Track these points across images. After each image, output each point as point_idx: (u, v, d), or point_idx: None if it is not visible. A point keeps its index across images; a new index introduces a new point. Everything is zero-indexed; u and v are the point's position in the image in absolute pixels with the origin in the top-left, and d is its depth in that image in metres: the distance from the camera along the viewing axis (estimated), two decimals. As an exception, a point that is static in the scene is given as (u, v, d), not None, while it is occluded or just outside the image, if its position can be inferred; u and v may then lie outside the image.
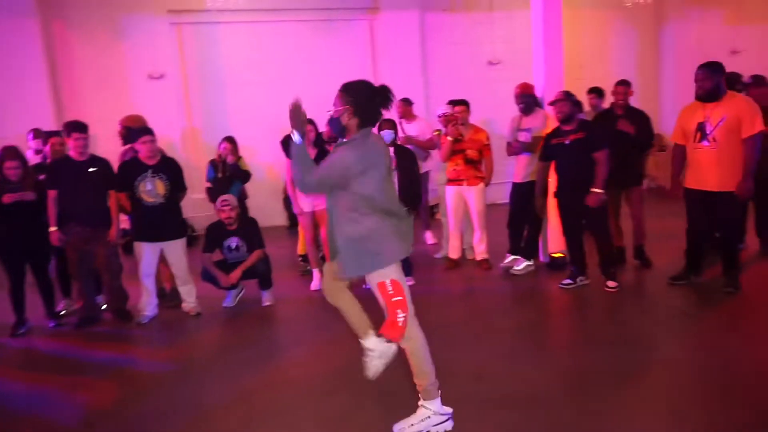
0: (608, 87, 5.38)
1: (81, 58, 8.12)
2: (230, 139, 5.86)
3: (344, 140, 2.52)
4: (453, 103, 5.49)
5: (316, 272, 5.20)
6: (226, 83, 8.64)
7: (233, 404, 2.98)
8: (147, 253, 4.50)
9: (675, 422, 2.52)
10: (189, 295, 4.69)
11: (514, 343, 3.69)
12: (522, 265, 5.12)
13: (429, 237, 6.58)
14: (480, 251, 5.48)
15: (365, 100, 2.49)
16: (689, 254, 4.46)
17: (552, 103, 4.49)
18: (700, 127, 4.12)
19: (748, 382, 2.85)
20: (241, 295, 4.94)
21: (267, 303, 4.79)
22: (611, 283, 4.46)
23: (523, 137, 5.01)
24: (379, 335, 2.46)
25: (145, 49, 8.25)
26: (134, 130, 4.53)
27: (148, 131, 4.46)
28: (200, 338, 4.22)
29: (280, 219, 8.27)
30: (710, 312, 3.95)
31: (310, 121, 4.95)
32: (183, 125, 8.46)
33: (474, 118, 5.58)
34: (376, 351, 2.89)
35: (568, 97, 4.48)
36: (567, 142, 4.42)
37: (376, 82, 8.85)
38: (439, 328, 3.86)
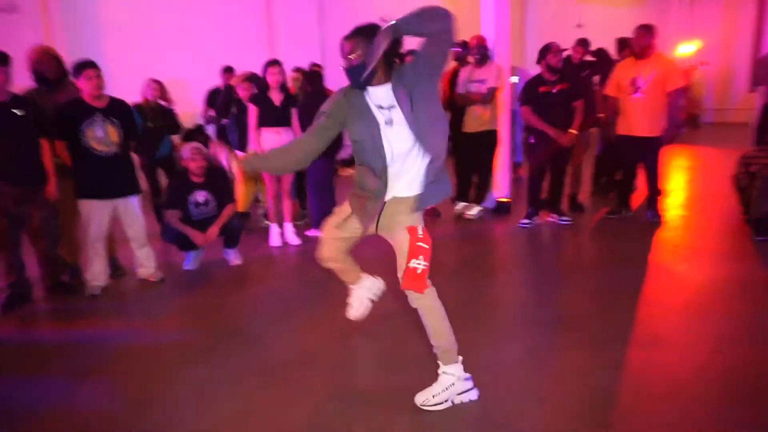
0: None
1: None
2: (158, 82, 5.12)
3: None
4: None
5: (274, 227, 4.91)
6: (100, 21, 7.37)
7: (301, 363, 2.75)
8: (98, 212, 3.78)
9: (704, 314, 3.05)
10: (148, 260, 4.08)
11: (519, 275, 4.00)
12: (475, 210, 5.45)
13: None
14: (428, 200, 5.68)
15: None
16: (622, 191, 5.21)
17: (556, 54, 4.75)
18: (633, 82, 4.81)
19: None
20: (201, 256, 4.45)
21: (236, 262, 4.40)
22: (566, 218, 5.04)
23: (476, 88, 5.25)
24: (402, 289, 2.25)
25: (-12, -27, 6.62)
26: (77, 64, 3.68)
27: (93, 64, 3.70)
28: (191, 304, 3.70)
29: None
30: (651, 236, 4.68)
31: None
32: (46, 69, 7.05)
33: None
34: (364, 286, 2.92)
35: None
36: (554, 91, 4.77)
37: (272, 42, 8.52)
38: (440, 270, 4.00)
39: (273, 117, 4.62)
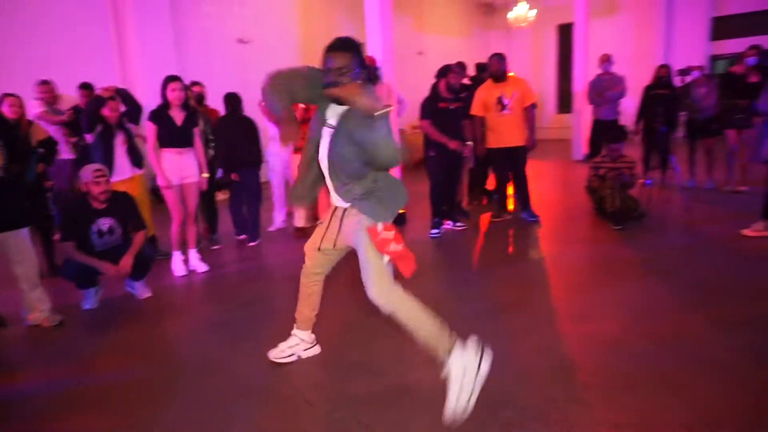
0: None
1: None
2: (17, 98, 4.43)
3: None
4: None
5: (177, 255, 4.55)
6: None
7: (282, 381, 2.67)
8: (-21, 250, 3.18)
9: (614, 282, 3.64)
10: (42, 302, 3.53)
11: (446, 276, 4.29)
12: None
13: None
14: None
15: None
16: (500, 197, 5.88)
17: (456, 74, 5.16)
18: (500, 101, 5.52)
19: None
20: (101, 293, 3.95)
21: (147, 295, 4.00)
22: (461, 224, 5.58)
23: (368, 107, 5.50)
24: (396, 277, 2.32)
25: None
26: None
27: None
28: (119, 342, 3.24)
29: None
30: (535, 232, 5.36)
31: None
32: None
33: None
34: (305, 339, 2.89)
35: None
36: (452, 107, 5.18)
37: (124, 55, 8.13)
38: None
39: (174, 137, 4.32)
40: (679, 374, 2.51)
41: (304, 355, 2.88)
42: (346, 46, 2.24)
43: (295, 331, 2.87)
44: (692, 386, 2.41)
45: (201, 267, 4.59)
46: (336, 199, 2.46)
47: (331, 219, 2.56)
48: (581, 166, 9.51)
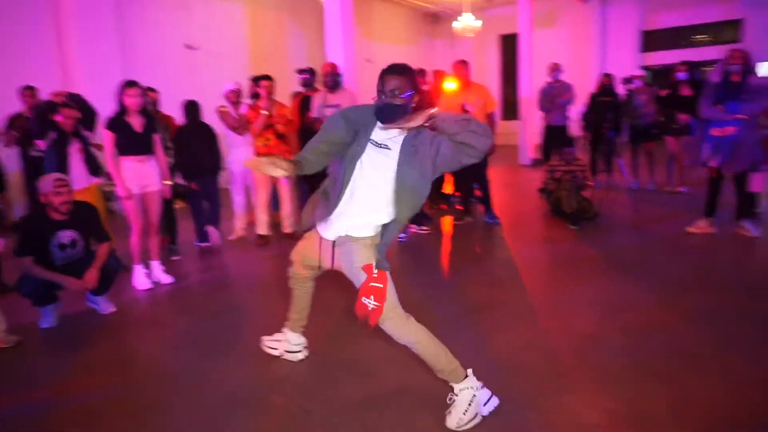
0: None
1: None
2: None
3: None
4: (257, 78, 5.45)
5: (139, 267, 4.35)
6: None
7: (275, 388, 2.62)
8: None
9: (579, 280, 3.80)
10: (-2, 322, 3.28)
11: (417, 279, 4.32)
12: (340, 229, 5.65)
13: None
14: (289, 223, 5.69)
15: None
16: (464, 202, 6.01)
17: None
18: (463, 107, 5.66)
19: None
20: (59, 310, 3.72)
21: (111, 310, 3.79)
22: (425, 227, 5.63)
23: (331, 112, 5.48)
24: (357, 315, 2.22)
25: None
26: None
27: None
28: (92, 360, 3.04)
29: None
30: (498, 234, 5.52)
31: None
32: None
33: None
34: (293, 340, 2.91)
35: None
36: None
37: (65, 60, 7.87)
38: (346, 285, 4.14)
39: (134, 144, 4.14)
40: (660, 364, 2.66)
41: (284, 356, 2.89)
42: (400, 71, 2.18)
43: (284, 328, 2.92)
44: (674, 375, 2.55)
45: (165, 279, 4.41)
46: (327, 229, 2.34)
47: (321, 247, 2.44)
48: (529, 170, 9.91)
